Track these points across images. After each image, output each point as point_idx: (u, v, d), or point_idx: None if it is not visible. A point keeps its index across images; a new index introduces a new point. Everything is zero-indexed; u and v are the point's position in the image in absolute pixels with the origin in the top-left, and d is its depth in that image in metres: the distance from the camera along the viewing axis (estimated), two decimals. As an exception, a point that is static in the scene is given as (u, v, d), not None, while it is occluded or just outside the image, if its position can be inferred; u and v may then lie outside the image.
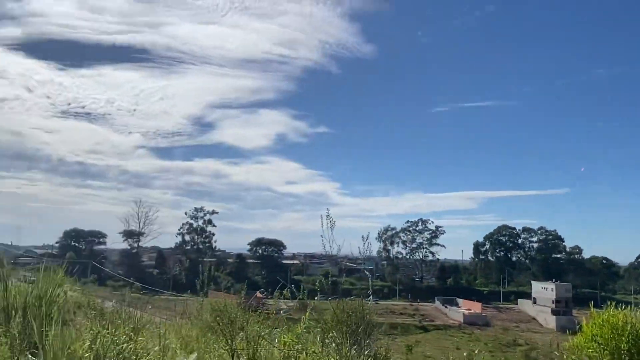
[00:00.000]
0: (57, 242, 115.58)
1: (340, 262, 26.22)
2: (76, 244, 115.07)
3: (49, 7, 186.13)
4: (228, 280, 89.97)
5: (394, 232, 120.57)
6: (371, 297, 13.04)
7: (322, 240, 8.41)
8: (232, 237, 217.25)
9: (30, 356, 5.84)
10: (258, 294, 29.51)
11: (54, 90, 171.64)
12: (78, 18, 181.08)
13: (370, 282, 60.79)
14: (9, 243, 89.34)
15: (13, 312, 6.60)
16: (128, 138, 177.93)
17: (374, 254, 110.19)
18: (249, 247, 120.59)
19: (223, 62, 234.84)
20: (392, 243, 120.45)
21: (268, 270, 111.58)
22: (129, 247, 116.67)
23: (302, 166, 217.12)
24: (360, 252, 8.96)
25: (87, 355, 5.51)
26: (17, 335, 6.01)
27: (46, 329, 6.08)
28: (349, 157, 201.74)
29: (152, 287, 73.14)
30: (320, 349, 7.24)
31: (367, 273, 75.20)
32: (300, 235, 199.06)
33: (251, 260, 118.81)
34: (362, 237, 8.95)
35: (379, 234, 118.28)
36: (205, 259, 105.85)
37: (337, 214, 8.62)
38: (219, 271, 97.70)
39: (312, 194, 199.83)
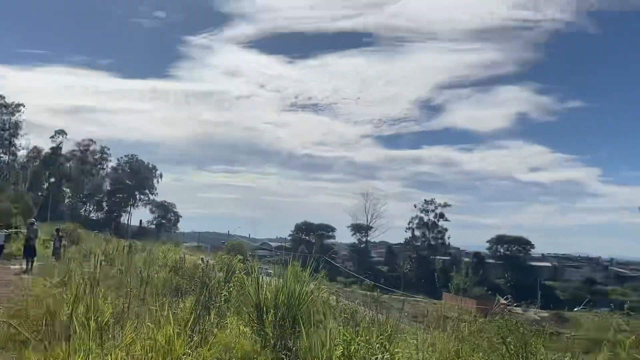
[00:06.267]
0: (289, 236, 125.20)
1: (608, 266, 23.27)
2: (307, 237, 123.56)
3: (279, 1, 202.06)
4: (466, 281, 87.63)
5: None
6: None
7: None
8: (467, 233, 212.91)
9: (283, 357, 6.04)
10: (502, 301, 27.92)
11: (283, 84, 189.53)
12: (304, 8, 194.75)
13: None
14: (247, 235, 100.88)
15: (265, 309, 6.97)
16: (354, 128, 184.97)
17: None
18: (487, 244, 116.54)
19: (452, 36, 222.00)
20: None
21: (512, 272, 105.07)
22: (357, 242, 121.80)
23: (549, 149, 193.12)
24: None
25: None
26: (270, 335, 6.28)
27: (297, 330, 6.24)
28: (613, 136, 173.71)
29: (383, 285, 75.06)
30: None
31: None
32: (550, 232, 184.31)
33: (491, 260, 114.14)
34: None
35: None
36: (437, 257, 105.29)
37: (598, 207, 7.27)
38: (454, 271, 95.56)
39: (563, 183, 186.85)
